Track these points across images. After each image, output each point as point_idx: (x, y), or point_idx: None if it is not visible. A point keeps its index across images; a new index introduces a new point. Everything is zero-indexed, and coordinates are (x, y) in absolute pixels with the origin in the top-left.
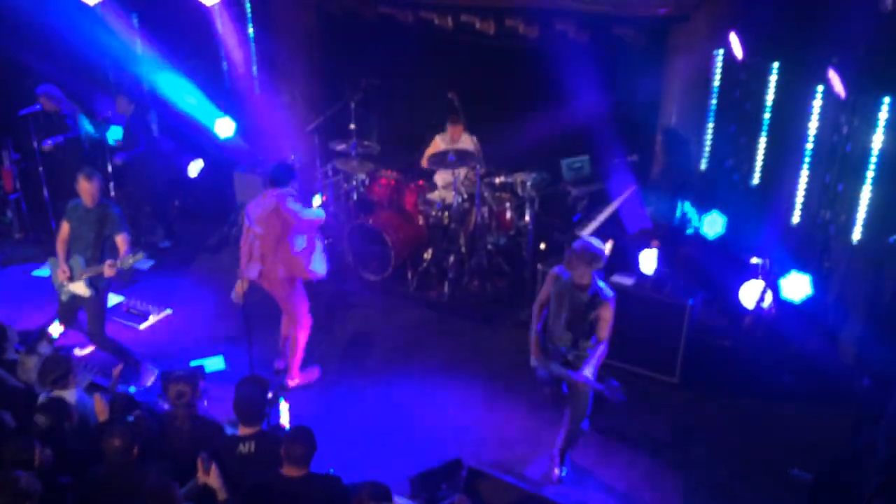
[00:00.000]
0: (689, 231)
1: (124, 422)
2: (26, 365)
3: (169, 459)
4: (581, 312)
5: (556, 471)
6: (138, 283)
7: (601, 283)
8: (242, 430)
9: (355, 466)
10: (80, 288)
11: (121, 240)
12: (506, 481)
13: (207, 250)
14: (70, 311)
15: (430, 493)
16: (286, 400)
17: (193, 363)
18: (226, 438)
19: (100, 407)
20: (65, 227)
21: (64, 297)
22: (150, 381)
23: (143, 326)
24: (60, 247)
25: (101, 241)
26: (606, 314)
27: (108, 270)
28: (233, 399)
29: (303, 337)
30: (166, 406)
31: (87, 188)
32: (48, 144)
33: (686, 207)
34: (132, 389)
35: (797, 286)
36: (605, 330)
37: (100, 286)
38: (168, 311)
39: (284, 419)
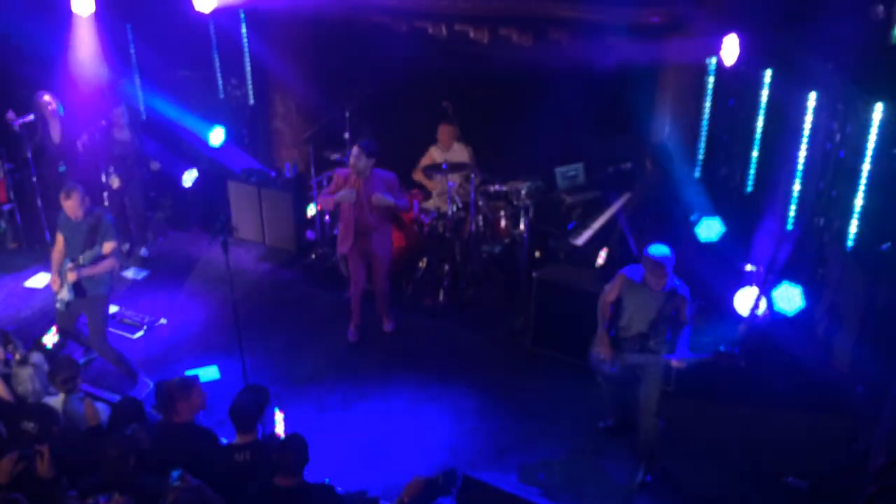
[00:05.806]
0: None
1: (122, 433)
2: (20, 377)
3: (165, 470)
4: (659, 308)
5: (639, 477)
6: (133, 293)
7: (676, 281)
8: (238, 439)
9: (350, 475)
10: (65, 294)
11: (108, 246)
12: (501, 490)
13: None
14: (68, 320)
15: (425, 502)
16: (281, 409)
17: (188, 373)
18: (222, 447)
19: (90, 412)
20: (59, 239)
21: (59, 306)
22: (145, 392)
23: (136, 336)
24: (54, 257)
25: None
26: (685, 306)
27: (70, 276)
28: (229, 407)
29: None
30: (160, 417)
31: (69, 205)
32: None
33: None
34: None
35: (789, 298)
36: (684, 317)
37: (91, 293)
38: (162, 321)
39: (279, 428)
